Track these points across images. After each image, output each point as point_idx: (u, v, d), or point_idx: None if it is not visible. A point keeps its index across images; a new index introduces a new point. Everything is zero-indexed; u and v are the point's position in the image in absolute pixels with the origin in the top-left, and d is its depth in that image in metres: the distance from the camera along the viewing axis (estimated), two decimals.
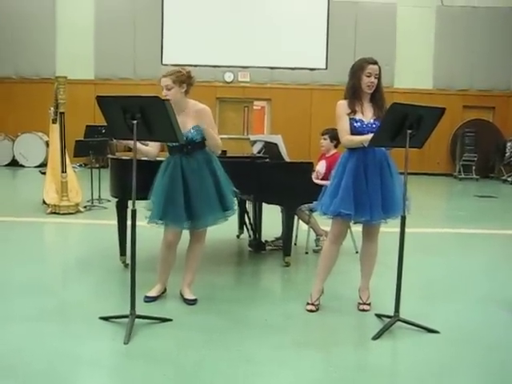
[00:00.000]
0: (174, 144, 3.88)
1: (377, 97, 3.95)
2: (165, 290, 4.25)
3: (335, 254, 4.07)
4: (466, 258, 5.98)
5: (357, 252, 5.37)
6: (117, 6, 15.67)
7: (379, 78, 3.93)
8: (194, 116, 3.95)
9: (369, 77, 3.87)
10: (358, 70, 3.90)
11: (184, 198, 3.87)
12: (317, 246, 5.82)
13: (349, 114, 3.90)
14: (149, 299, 4.08)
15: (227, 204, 4.02)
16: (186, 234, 4.13)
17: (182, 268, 4.22)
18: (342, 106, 3.94)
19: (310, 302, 4.07)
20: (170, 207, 3.88)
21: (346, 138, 3.91)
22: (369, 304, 4.12)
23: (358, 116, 3.89)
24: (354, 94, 3.92)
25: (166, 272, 4.17)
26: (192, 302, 4.11)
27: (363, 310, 4.08)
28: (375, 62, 3.92)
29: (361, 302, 4.14)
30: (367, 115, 3.91)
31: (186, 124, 3.90)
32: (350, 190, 3.84)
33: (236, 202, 4.14)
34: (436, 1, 15.74)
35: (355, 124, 3.89)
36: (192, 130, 3.92)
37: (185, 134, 3.84)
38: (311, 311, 4.02)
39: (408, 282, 3.85)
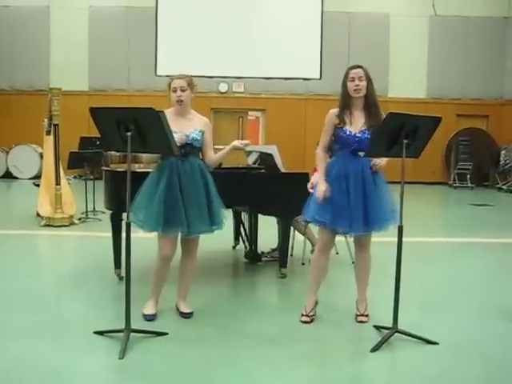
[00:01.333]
0: None
1: (369, 103, 3.91)
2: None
3: (324, 263, 4.04)
4: (463, 267, 5.95)
5: (353, 262, 5.33)
6: (111, 17, 15.70)
7: (369, 83, 3.89)
8: (198, 123, 3.95)
9: (352, 81, 3.86)
10: (344, 78, 3.92)
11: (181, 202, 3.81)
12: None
13: (337, 125, 3.89)
14: (150, 317, 3.97)
15: (214, 218, 3.92)
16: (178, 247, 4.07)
17: (176, 278, 4.17)
18: (331, 115, 3.94)
19: (304, 313, 4.03)
20: (171, 213, 3.78)
21: (319, 153, 4.00)
22: (366, 315, 4.08)
23: (347, 126, 3.86)
24: (344, 102, 3.91)
25: (160, 286, 4.08)
26: (188, 316, 4.05)
27: (361, 322, 4.04)
28: (358, 66, 3.92)
29: (358, 313, 4.10)
30: (357, 124, 3.87)
31: (188, 127, 3.89)
32: (329, 199, 3.83)
33: (224, 220, 4.02)
34: (429, 10, 15.83)
35: (342, 134, 3.87)
36: (195, 131, 3.89)
37: (186, 135, 3.83)
38: (306, 322, 3.98)
39: (405, 292, 3.82)
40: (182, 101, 3.88)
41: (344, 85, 3.91)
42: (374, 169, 3.88)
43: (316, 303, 4.08)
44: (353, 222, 3.81)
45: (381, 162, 3.90)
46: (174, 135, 3.65)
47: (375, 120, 3.86)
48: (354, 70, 3.88)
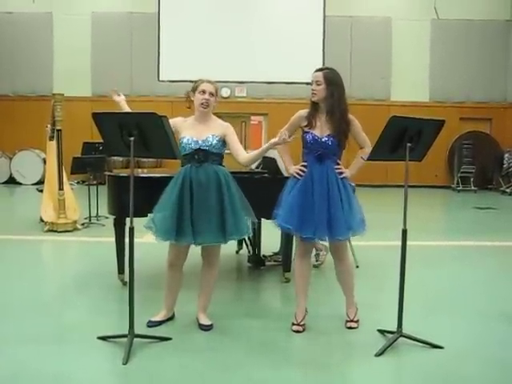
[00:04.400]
0: (187, 152, 3.78)
1: (335, 111, 3.78)
2: (173, 315, 4.10)
3: (306, 269, 3.99)
4: (467, 271, 5.93)
5: (357, 266, 5.32)
6: (113, 23, 15.74)
7: (333, 87, 3.77)
8: (216, 128, 3.87)
9: (312, 85, 3.84)
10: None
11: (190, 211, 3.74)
12: (317, 260, 5.77)
13: (305, 127, 3.86)
14: (152, 324, 3.93)
15: (228, 227, 3.76)
16: (196, 254, 4.01)
17: (186, 287, 4.15)
18: (299, 116, 3.90)
19: (295, 322, 3.96)
20: (179, 220, 3.73)
21: (278, 146, 3.91)
22: (356, 321, 4.03)
23: (313, 130, 3.83)
24: (312, 105, 3.87)
25: (171, 296, 4.02)
26: (207, 328, 3.92)
27: (350, 328, 3.99)
28: (319, 69, 3.87)
29: (348, 319, 4.05)
30: (323, 130, 3.83)
31: (204, 133, 3.82)
32: (295, 204, 3.79)
33: (247, 229, 3.87)
34: (431, 14, 15.83)
35: (307, 138, 3.84)
36: (211, 136, 3.81)
37: (200, 141, 3.78)
38: (298, 331, 3.91)
39: (410, 296, 3.80)
40: (208, 104, 3.82)
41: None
42: (339, 176, 3.83)
43: (306, 311, 4.02)
44: (317, 227, 3.76)
45: (345, 172, 3.85)
46: (190, 140, 3.68)
47: (338, 125, 3.78)
48: (314, 74, 3.85)
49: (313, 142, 3.82)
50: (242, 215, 3.83)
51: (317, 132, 3.83)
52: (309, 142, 3.84)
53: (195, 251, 3.97)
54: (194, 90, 3.87)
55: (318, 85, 3.80)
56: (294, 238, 5.44)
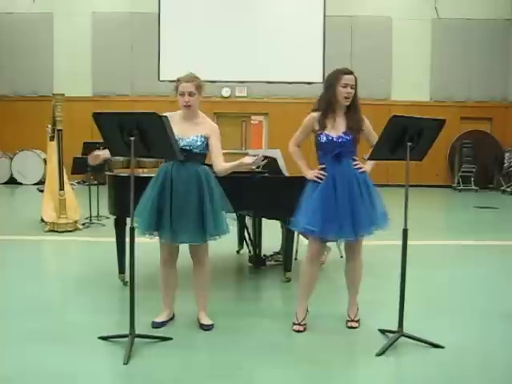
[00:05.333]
0: None
1: (352, 109, 3.83)
2: (173, 315, 4.09)
3: (314, 272, 3.97)
4: (467, 270, 5.92)
5: (341, 257, 5.29)
6: (114, 23, 15.74)
7: (355, 89, 3.82)
8: (203, 128, 3.83)
9: (345, 87, 3.76)
10: (333, 81, 3.80)
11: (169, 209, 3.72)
12: None
13: (317, 131, 3.84)
14: (156, 324, 3.93)
15: (208, 227, 3.74)
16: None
17: (184, 288, 4.15)
18: (312, 120, 3.87)
19: (296, 322, 3.95)
20: (159, 219, 3.73)
21: (292, 147, 3.99)
22: (357, 321, 4.03)
23: (327, 131, 3.80)
24: (327, 107, 3.82)
25: (169, 294, 4.02)
26: (208, 328, 3.90)
27: (351, 327, 3.99)
28: (350, 72, 3.82)
29: (349, 319, 4.04)
30: (338, 129, 3.81)
31: (189, 132, 3.78)
32: (317, 207, 3.76)
33: (227, 228, 3.86)
34: (431, 13, 15.83)
35: (323, 139, 3.81)
36: (196, 137, 3.77)
37: (185, 141, 3.74)
38: (299, 331, 3.90)
39: (410, 295, 3.79)
40: (189, 106, 3.78)
41: (333, 89, 3.79)
42: (358, 171, 3.83)
43: (307, 311, 4.01)
44: (342, 228, 3.74)
45: (363, 167, 3.86)
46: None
47: (355, 123, 3.81)
48: (348, 76, 3.78)
49: (329, 143, 3.80)
50: (222, 214, 3.83)
51: (331, 132, 3.81)
52: (324, 143, 3.81)
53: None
54: (176, 90, 3.81)
55: (353, 88, 3.79)
56: (295, 238, 5.46)
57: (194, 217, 3.73)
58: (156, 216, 3.73)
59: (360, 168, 3.84)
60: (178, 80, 3.81)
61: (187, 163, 3.76)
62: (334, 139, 3.79)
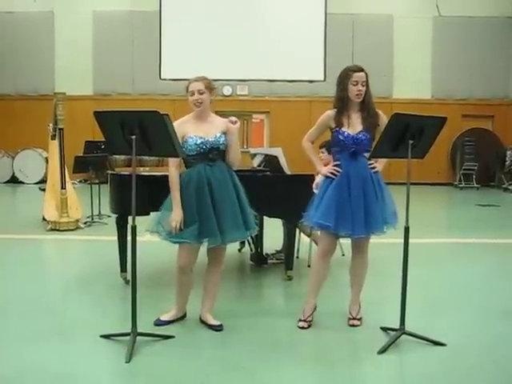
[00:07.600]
0: (199, 151, 3.74)
1: (366, 106, 3.85)
2: (184, 315, 4.07)
3: (325, 269, 3.97)
4: (469, 268, 5.91)
5: (343, 255, 5.29)
6: (114, 21, 15.73)
7: (367, 86, 3.83)
8: (220, 126, 3.85)
9: (355, 85, 3.78)
10: (343, 79, 3.82)
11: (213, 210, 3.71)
12: None
13: (334, 128, 3.85)
14: (160, 323, 3.92)
15: (248, 222, 3.82)
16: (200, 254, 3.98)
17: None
18: (327, 117, 3.88)
19: (302, 318, 3.96)
20: (203, 223, 3.68)
21: (306, 143, 3.97)
22: (359, 319, 4.03)
23: (344, 128, 3.81)
24: (342, 105, 3.84)
25: (183, 296, 3.99)
26: (219, 328, 3.87)
27: (353, 325, 3.99)
28: (361, 70, 3.82)
29: (351, 317, 4.04)
30: (355, 127, 3.82)
31: (211, 131, 3.79)
32: (332, 202, 3.77)
33: (256, 223, 3.95)
34: (433, 11, 15.79)
35: (340, 136, 3.82)
36: (219, 134, 3.79)
37: (211, 140, 3.75)
38: (303, 328, 3.91)
39: (411, 293, 3.79)
40: (200, 103, 3.78)
41: (343, 85, 3.82)
42: (372, 171, 3.85)
43: (315, 308, 4.02)
44: (355, 224, 3.76)
45: (377, 166, 3.87)
46: (200, 140, 3.67)
47: (372, 120, 3.83)
48: (358, 74, 3.79)
49: (347, 140, 3.80)
50: (250, 210, 3.88)
51: (349, 130, 3.81)
52: (342, 140, 3.81)
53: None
54: (187, 92, 3.86)
55: (363, 86, 3.80)
56: (296, 236, 5.46)
57: (237, 213, 3.78)
58: (199, 224, 3.69)
59: (373, 168, 3.86)
60: (189, 81, 3.86)
61: (217, 161, 3.80)
62: (351, 136, 3.81)
